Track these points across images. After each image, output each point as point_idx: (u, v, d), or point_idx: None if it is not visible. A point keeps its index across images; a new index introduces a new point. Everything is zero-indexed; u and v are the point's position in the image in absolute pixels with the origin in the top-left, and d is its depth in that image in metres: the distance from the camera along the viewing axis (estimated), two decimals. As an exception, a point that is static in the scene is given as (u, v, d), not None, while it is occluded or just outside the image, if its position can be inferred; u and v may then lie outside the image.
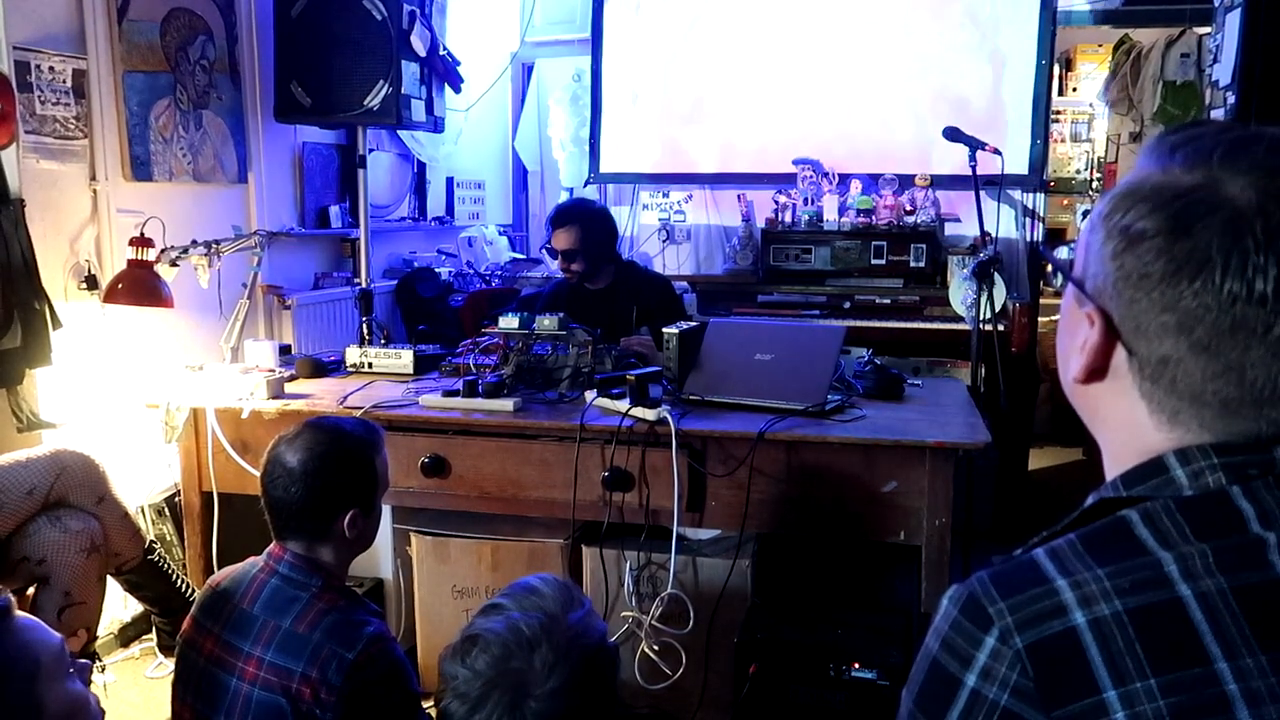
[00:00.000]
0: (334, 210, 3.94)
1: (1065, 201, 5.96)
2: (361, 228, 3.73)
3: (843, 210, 4.01)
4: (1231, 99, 2.96)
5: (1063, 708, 0.60)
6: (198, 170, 3.25)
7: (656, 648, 2.30)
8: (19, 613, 1.16)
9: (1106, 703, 0.59)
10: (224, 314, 2.94)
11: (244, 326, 2.78)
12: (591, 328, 2.65)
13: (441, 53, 3.55)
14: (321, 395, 2.53)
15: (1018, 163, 3.77)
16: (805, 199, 4.04)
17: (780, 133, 4.16)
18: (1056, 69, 5.18)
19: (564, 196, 4.83)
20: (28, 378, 2.55)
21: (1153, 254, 0.64)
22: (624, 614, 2.35)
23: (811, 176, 4.05)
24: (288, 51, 3.34)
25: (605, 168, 4.38)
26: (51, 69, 2.69)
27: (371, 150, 3.93)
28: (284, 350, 2.96)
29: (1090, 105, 5.88)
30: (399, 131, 4.16)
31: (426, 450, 2.35)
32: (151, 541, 2.64)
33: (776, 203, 4.12)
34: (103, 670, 2.59)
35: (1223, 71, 3.09)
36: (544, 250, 3.17)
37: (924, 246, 3.88)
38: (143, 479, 2.92)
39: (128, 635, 2.93)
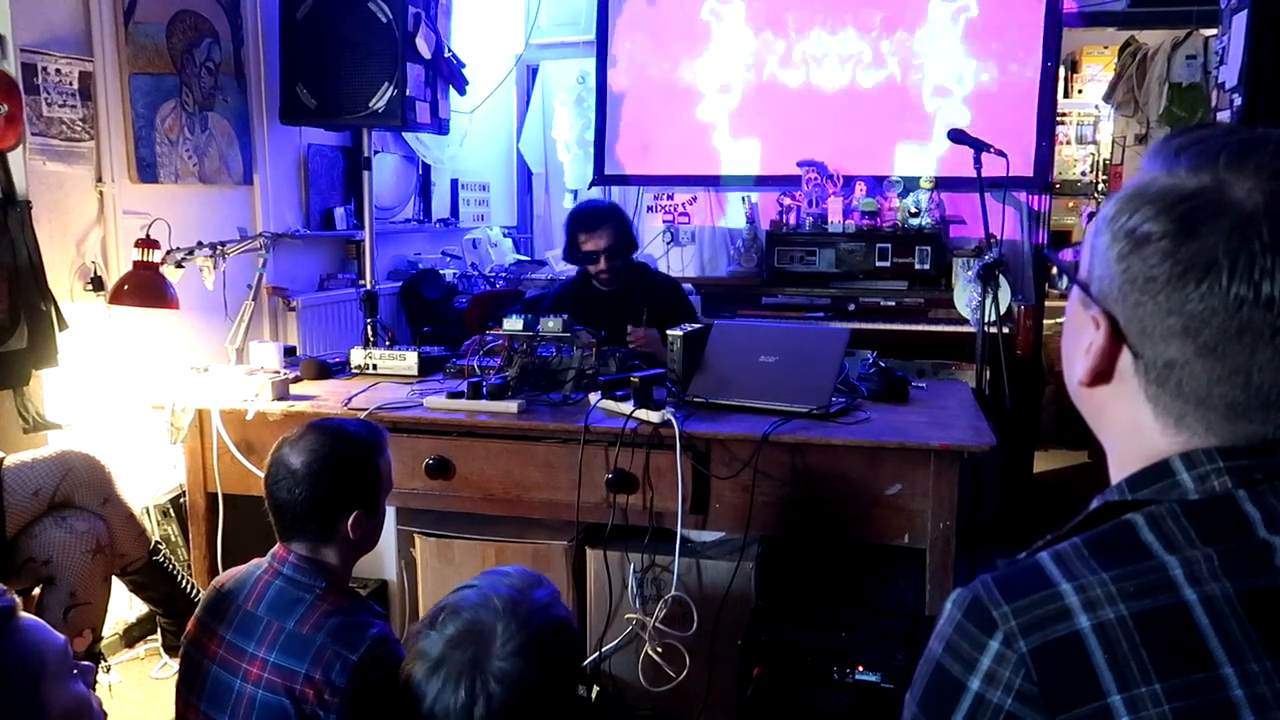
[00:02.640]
0: (339, 212, 3.95)
1: (1070, 204, 5.96)
2: (366, 229, 3.74)
3: (847, 212, 4.01)
4: (1238, 101, 2.95)
5: (1067, 712, 0.60)
6: (203, 172, 3.25)
7: (660, 650, 2.30)
8: (23, 614, 1.16)
9: (1111, 707, 0.59)
10: (229, 315, 2.94)
11: (249, 328, 2.78)
12: (601, 328, 2.64)
13: (446, 55, 3.55)
14: (326, 397, 2.54)
15: (1023, 165, 3.76)
16: (810, 201, 4.04)
17: (784, 134, 4.16)
18: (1062, 71, 5.18)
19: (568, 199, 4.84)
20: (34, 379, 2.56)
21: (1159, 257, 0.64)
22: (628, 616, 2.35)
23: (816, 179, 4.05)
24: (293, 54, 3.34)
25: (609, 169, 4.39)
26: (58, 71, 2.70)
27: (376, 152, 3.94)
28: (289, 352, 2.96)
29: (1096, 107, 5.87)
30: (404, 133, 4.16)
31: (431, 452, 2.35)
32: (156, 542, 2.64)
33: (781, 205, 4.12)
34: (108, 671, 2.60)
35: (1229, 73, 3.09)
36: (571, 258, 3.11)
37: (929, 249, 3.88)
38: (148, 480, 2.93)
39: (133, 636, 2.93)
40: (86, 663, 1.26)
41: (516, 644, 1.24)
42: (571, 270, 3.32)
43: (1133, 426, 0.68)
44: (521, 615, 1.27)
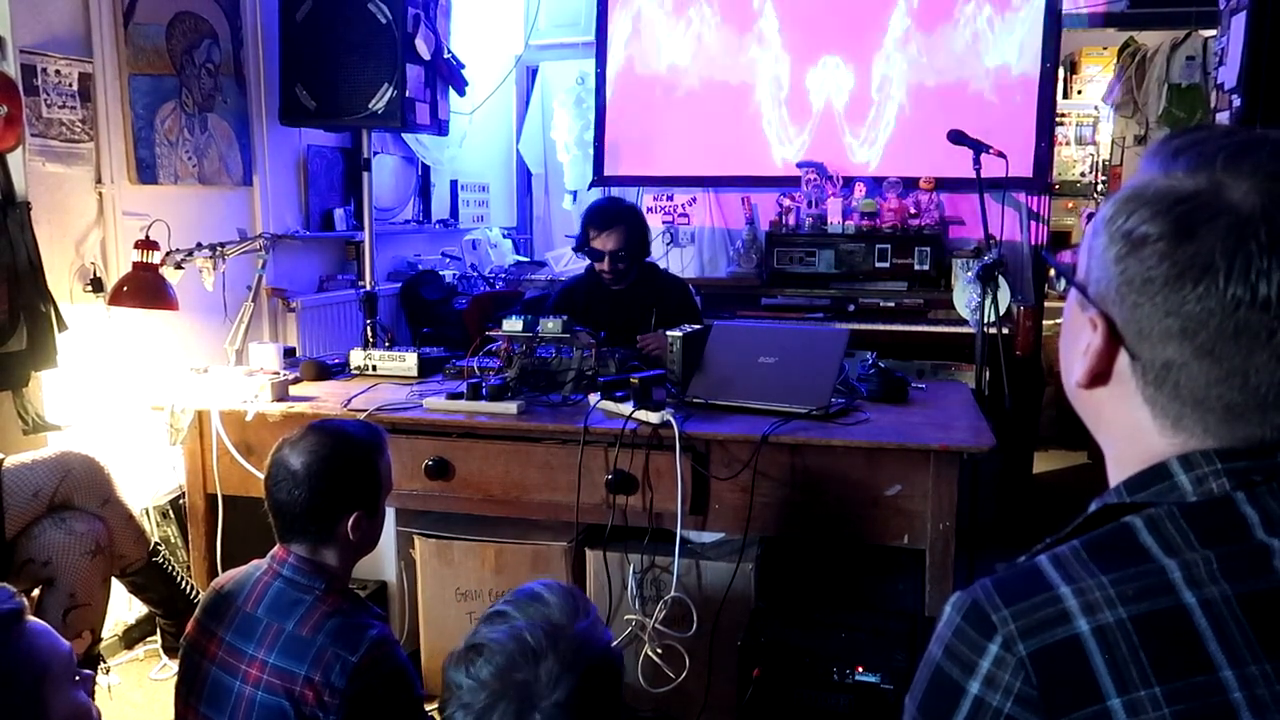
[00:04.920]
0: (338, 213, 3.95)
1: (1070, 204, 5.95)
2: (366, 230, 3.74)
3: (847, 213, 4.01)
4: (1237, 102, 2.95)
5: (1066, 716, 0.60)
6: (203, 173, 3.25)
7: (660, 651, 2.30)
8: (31, 618, 1.16)
9: (1110, 711, 0.59)
10: (228, 316, 2.94)
11: (248, 329, 2.78)
12: (608, 326, 2.64)
13: (446, 56, 3.55)
14: (325, 398, 2.54)
15: (1022, 165, 3.76)
16: (809, 202, 4.04)
17: (784, 135, 4.16)
18: (1061, 72, 5.18)
19: (568, 199, 4.84)
20: (33, 380, 2.56)
21: (1156, 258, 0.64)
22: (627, 617, 2.35)
23: (815, 179, 4.05)
24: (293, 55, 3.34)
25: (609, 170, 4.39)
26: (58, 72, 2.70)
27: (376, 153, 3.93)
28: (288, 353, 2.96)
29: (1095, 108, 5.87)
30: (403, 134, 4.16)
31: (430, 453, 2.35)
32: (156, 543, 2.64)
33: (780, 205, 4.12)
34: (107, 672, 2.60)
35: (1228, 74, 3.09)
36: (579, 251, 3.12)
37: (928, 249, 3.88)
38: (147, 481, 2.93)
39: (132, 637, 2.93)
40: (87, 671, 1.26)
41: (563, 694, 1.14)
42: (575, 269, 3.32)
43: (1131, 428, 0.68)
44: (564, 657, 1.16)
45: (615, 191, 4.40)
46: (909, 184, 3.95)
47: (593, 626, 1.24)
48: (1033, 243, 4.02)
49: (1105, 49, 5.56)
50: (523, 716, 1.13)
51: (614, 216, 3.04)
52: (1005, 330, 3.37)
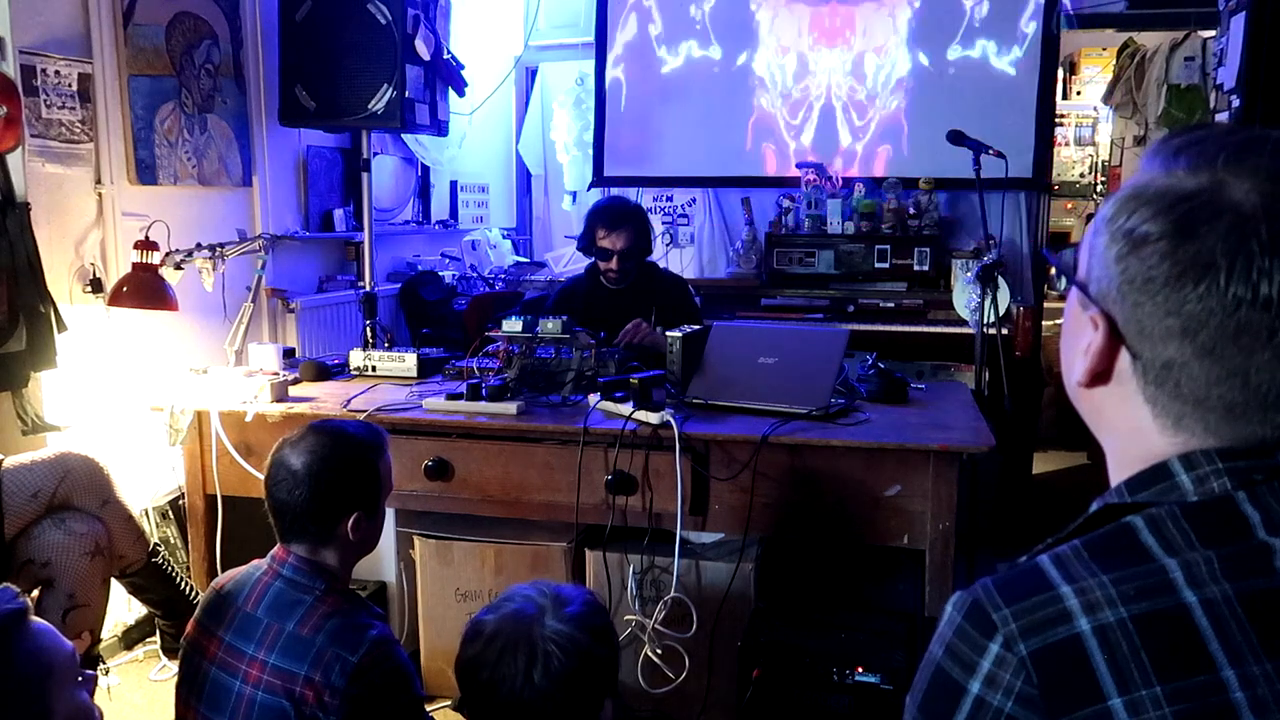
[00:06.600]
0: (338, 214, 3.95)
1: (1069, 205, 5.97)
2: (365, 231, 3.74)
3: (846, 214, 4.01)
4: (1236, 102, 2.95)
5: (1067, 715, 0.59)
6: (202, 174, 3.25)
7: (659, 651, 2.29)
8: (34, 618, 1.17)
9: (1111, 710, 0.59)
10: (228, 317, 2.94)
11: (248, 329, 2.78)
12: (607, 325, 2.63)
13: (445, 56, 3.55)
14: (325, 398, 2.54)
15: (1022, 166, 3.76)
16: (809, 202, 4.04)
17: (784, 136, 4.16)
18: (1061, 72, 5.19)
19: (567, 200, 4.84)
20: (33, 380, 2.56)
21: (1157, 257, 0.64)
22: (627, 618, 2.34)
23: (815, 180, 4.05)
24: (292, 55, 3.34)
25: (609, 171, 4.39)
26: (57, 73, 2.70)
27: (376, 154, 3.93)
28: (288, 353, 2.96)
29: (1095, 109, 5.88)
30: (403, 135, 4.16)
31: (430, 453, 2.35)
32: (155, 544, 2.64)
33: (780, 206, 4.12)
34: (106, 673, 2.60)
35: (1227, 74, 3.09)
36: (585, 250, 3.10)
37: (928, 250, 3.88)
38: (147, 482, 2.93)
39: (132, 638, 2.93)
40: (89, 671, 1.26)
41: (567, 613, 1.32)
42: (575, 269, 3.32)
43: (1131, 427, 0.68)
44: (566, 595, 1.37)
45: (615, 192, 4.40)
46: (909, 184, 3.95)
47: (589, 592, 1.45)
48: (1032, 243, 4.02)
49: (1105, 50, 5.57)
50: (533, 632, 1.29)
51: (623, 216, 3.04)
52: (1005, 331, 3.38)
